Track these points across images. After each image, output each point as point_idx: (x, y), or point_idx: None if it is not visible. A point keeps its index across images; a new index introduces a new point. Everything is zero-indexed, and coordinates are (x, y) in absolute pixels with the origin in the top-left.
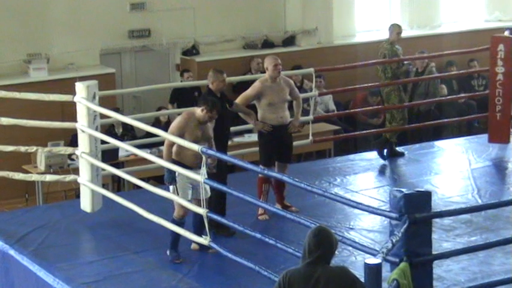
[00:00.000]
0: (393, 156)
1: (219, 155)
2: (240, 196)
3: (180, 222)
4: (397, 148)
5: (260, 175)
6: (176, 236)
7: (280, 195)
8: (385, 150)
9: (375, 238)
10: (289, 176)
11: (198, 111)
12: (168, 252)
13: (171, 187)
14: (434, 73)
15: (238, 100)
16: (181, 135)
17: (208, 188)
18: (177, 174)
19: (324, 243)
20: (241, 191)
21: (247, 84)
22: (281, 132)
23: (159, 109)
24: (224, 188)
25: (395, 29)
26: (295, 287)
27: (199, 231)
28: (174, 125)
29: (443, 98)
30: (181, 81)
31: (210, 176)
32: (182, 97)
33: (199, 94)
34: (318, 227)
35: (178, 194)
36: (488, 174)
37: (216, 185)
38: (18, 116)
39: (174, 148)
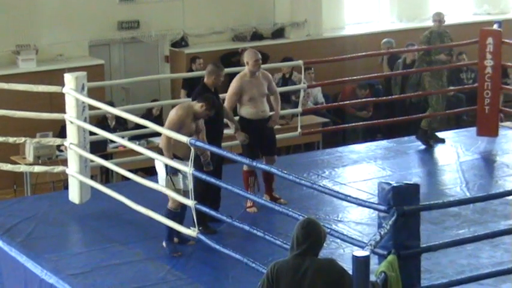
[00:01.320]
0: (435, 142)
1: (208, 147)
2: (229, 188)
3: (176, 213)
4: (431, 135)
5: (245, 169)
6: (171, 228)
7: (269, 187)
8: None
9: (363, 230)
10: (278, 168)
11: (197, 106)
12: (164, 244)
13: (164, 177)
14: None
15: (227, 103)
16: (178, 128)
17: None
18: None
19: (312, 235)
20: (229, 183)
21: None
22: (263, 126)
23: (153, 101)
24: (212, 180)
25: (433, 17)
26: (283, 278)
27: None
28: (173, 117)
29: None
30: (191, 68)
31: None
32: (193, 83)
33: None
34: (306, 219)
35: (173, 185)
36: (477, 167)
37: (204, 176)
38: (6, 107)
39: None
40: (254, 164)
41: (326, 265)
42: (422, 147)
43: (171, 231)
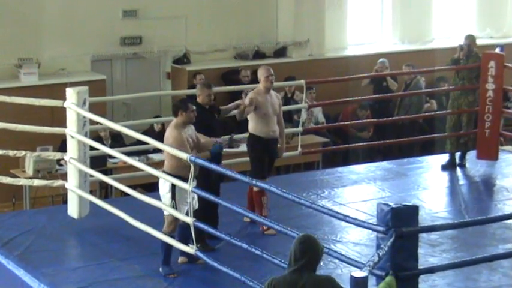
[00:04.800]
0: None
1: (207, 164)
2: (228, 206)
3: (172, 236)
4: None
5: (255, 189)
6: (168, 252)
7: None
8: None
9: (362, 251)
10: (277, 187)
11: (179, 119)
12: (160, 270)
13: (169, 201)
14: (421, 85)
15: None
16: (182, 148)
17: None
18: (176, 189)
19: (309, 250)
20: (229, 201)
21: (236, 72)
22: (270, 147)
23: (156, 118)
24: (214, 198)
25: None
26: None
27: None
28: (171, 140)
29: (432, 113)
30: (194, 83)
31: (200, 185)
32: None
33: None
34: (304, 235)
35: (175, 210)
36: (476, 190)
37: (204, 194)
38: (7, 120)
39: (171, 162)
40: (256, 183)
41: (324, 282)
42: (422, 169)
43: (168, 256)
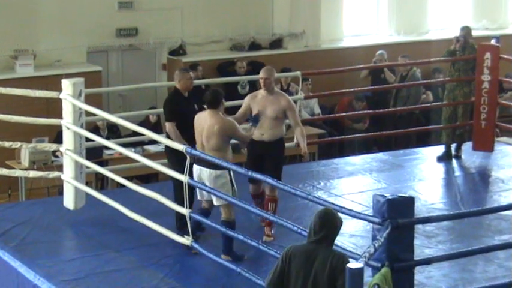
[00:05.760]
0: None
1: (203, 155)
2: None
3: (234, 223)
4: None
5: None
6: (231, 239)
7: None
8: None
9: (357, 242)
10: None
11: (221, 108)
12: (223, 257)
13: (230, 190)
14: (417, 76)
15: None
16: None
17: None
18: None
19: (327, 225)
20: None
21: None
22: (261, 151)
23: (151, 109)
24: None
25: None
26: (295, 260)
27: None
28: (236, 127)
29: (428, 104)
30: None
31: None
32: (193, 89)
33: (206, 86)
34: (324, 209)
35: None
36: (472, 182)
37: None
38: (3, 111)
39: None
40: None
41: (337, 257)
42: (418, 160)
43: (231, 243)
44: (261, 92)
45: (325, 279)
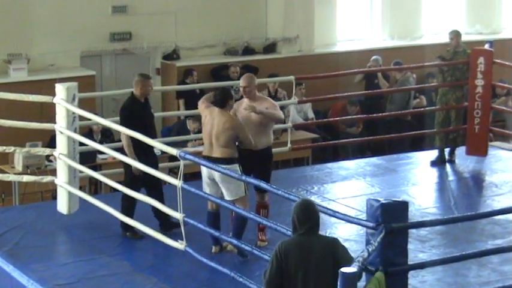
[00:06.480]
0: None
1: (197, 159)
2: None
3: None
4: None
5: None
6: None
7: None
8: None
9: (351, 247)
10: (267, 182)
11: (228, 108)
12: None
13: (243, 186)
14: (410, 81)
15: None
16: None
17: (233, 189)
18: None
19: (311, 214)
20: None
21: (225, 68)
22: (247, 159)
23: None
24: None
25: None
26: (291, 254)
27: (238, 231)
28: (241, 125)
29: (420, 109)
30: (185, 80)
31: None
32: (188, 92)
33: (201, 91)
34: (303, 201)
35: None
36: (466, 186)
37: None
38: None
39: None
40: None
41: (331, 242)
42: (412, 165)
43: (241, 236)
44: (245, 100)
45: (330, 266)
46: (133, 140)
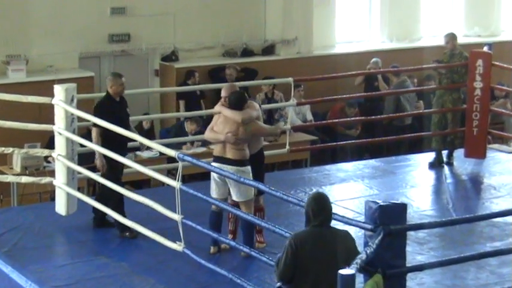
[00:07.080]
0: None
1: (195, 161)
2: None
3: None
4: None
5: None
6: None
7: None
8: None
9: None
10: (265, 184)
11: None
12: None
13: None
14: (405, 85)
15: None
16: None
17: (244, 191)
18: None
19: (326, 206)
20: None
21: (223, 69)
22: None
23: (144, 115)
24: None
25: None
26: (306, 245)
27: (249, 236)
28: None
29: (418, 111)
30: (186, 81)
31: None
32: (188, 93)
33: (201, 92)
34: (317, 193)
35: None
36: (464, 188)
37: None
38: None
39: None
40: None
41: (343, 235)
42: (410, 167)
43: (252, 240)
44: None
45: (342, 259)
46: (108, 137)
